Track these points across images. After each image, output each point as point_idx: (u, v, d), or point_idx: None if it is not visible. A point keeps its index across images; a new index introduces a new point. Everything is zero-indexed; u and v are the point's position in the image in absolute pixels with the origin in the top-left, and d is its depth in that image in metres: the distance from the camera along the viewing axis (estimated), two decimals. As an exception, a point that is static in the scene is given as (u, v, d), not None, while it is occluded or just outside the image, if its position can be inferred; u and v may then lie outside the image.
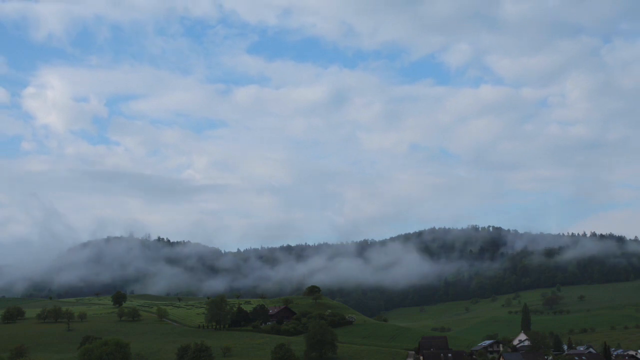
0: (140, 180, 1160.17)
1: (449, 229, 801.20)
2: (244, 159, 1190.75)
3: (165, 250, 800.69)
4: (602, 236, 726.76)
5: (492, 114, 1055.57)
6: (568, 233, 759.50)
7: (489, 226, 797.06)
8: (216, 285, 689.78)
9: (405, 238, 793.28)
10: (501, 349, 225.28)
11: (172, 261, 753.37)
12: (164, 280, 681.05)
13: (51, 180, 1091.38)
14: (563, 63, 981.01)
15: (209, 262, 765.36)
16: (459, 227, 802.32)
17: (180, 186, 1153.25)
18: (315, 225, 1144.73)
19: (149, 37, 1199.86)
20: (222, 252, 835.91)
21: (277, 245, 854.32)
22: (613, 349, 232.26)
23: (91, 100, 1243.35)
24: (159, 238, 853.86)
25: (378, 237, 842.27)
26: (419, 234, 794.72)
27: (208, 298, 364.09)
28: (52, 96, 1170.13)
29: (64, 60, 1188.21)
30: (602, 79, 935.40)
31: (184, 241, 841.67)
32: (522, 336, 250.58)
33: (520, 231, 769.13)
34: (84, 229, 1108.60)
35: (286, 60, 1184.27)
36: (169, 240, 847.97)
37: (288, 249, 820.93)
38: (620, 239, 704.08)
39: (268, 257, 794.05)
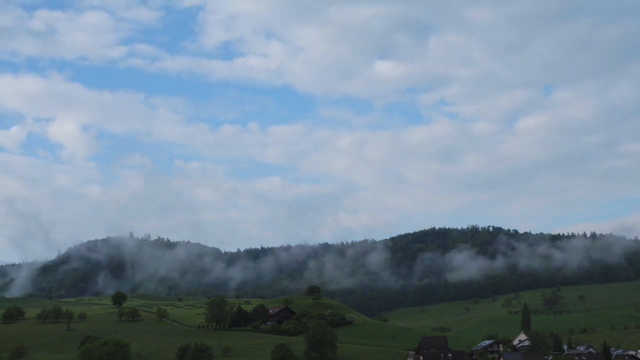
0: (151, 194, 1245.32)
1: (448, 229, 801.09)
2: (242, 177, 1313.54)
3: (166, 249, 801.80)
4: (602, 236, 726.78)
5: (448, 142, 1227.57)
6: (568, 233, 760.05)
7: (489, 226, 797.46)
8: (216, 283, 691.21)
9: (405, 238, 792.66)
10: (501, 349, 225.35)
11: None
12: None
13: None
14: (510, 109, 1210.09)
15: (208, 261, 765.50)
16: (459, 227, 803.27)
17: (186, 199, 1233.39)
18: (314, 228, 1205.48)
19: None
20: (222, 252, 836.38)
21: (277, 245, 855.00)
22: (613, 349, 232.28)
23: (100, 131, 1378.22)
24: (158, 237, 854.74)
25: (378, 238, 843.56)
26: (419, 234, 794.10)
27: (208, 298, 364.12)
28: (70, 128, 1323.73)
29: (78, 102, 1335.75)
30: (546, 119, 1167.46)
31: (183, 241, 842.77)
32: (522, 336, 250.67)
33: (520, 231, 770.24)
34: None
35: (266, 107, 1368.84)
36: (168, 240, 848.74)
37: (288, 249, 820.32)
38: (621, 239, 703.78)
39: (267, 256, 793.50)
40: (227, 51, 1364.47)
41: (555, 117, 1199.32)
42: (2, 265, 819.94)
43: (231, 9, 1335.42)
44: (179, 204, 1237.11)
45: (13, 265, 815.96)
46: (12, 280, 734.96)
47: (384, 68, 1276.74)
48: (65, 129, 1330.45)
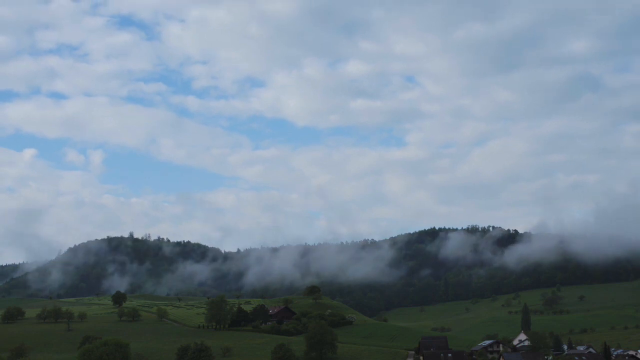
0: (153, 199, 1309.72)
1: (448, 229, 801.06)
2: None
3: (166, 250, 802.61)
4: (602, 236, 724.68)
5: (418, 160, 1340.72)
6: (567, 232, 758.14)
7: (489, 226, 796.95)
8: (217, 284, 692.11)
9: (405, 238, 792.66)
10: (501, 349, 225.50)
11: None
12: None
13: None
14: (478, 135, 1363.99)
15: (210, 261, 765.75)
16: (459, 227, 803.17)
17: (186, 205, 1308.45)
18: (313, 228, 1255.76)
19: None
20: (222, 251, 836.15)
21: (277, 245, 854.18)
22: (613, 349, 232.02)
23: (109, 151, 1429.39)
24: (158, 238, 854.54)
25: (378, 238, 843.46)
26: (419, 234, 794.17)
27: (208, 298, 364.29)
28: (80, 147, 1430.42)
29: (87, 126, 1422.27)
30: (510, 143, 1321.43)
31: (183, 241, 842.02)
32: (522, 336, 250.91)
33: (520, 231, 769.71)
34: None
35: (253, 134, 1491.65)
36: (168, 240, 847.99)
37: (288, 248, 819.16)
38: (621, 239, 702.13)
39: (267, 256, 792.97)
40: (215, 94, 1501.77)
41: (517, 143, 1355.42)
42: (2, 266, 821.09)
43: (218, 61, 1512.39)
44: (179, 208, 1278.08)
45: (13, 265, 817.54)
46: (12, 280, 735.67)
47: (363, 104, 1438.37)
48: (75, 149, 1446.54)
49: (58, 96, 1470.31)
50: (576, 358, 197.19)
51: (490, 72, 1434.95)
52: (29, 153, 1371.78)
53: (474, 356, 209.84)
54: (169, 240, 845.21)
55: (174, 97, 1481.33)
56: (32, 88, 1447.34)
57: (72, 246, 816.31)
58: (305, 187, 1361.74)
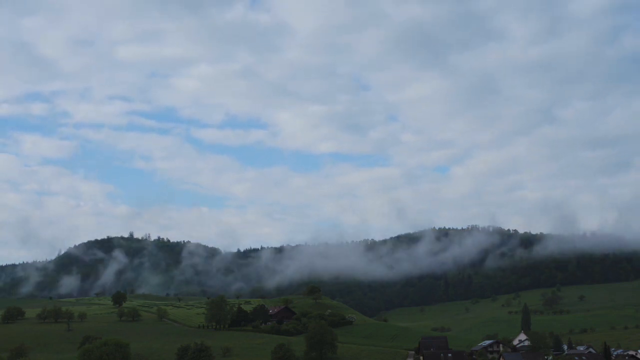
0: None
1: (448, 229, 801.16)
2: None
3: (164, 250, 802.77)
4: (602, 236, 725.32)
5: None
6: (568, 233, 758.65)
7: (489, 226, 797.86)
8: (216, 284, 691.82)
9: (406, 238, 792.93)
10: (501, 349, 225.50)
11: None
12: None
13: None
14: (445, 160, 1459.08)
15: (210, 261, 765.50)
16: (459, 227, 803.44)
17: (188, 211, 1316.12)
18: (312, 231, 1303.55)
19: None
20: (222, 252, 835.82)
21: (277, 245, 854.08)
22: (613, 349, 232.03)
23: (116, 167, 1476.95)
24: (158, 238, 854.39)
25: (378, 237, 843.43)
26: (419, 234, 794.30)
27: (208, 298, 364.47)
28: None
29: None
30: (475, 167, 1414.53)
31: (183, 241, 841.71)
32: (522, 336, 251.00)
33: (520, 231, 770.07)
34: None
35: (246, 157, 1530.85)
36: (168, 240, 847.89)
37: (288, 249, 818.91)
38: (621, 239, 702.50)
39: (267, 257, 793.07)
40: (206, 127, 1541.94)
41: (481, 165, 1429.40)
42: (3, 266, 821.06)
43: (208, 106, 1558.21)
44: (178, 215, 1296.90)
45: (14, 265, 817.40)
46: (12, 280, 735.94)
47: (349, 138, 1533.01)
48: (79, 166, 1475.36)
49: (66, 126, 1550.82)
50: (576, 358, 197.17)
51: (458, 111, 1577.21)
52: (38, 170, 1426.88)
53: (474, 356, 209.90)
54: (169, 240, 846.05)
55: (171, 130, 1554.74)
56: (43, 120, 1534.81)
57: (72, 246, 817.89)
58: (301, 197, 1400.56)
